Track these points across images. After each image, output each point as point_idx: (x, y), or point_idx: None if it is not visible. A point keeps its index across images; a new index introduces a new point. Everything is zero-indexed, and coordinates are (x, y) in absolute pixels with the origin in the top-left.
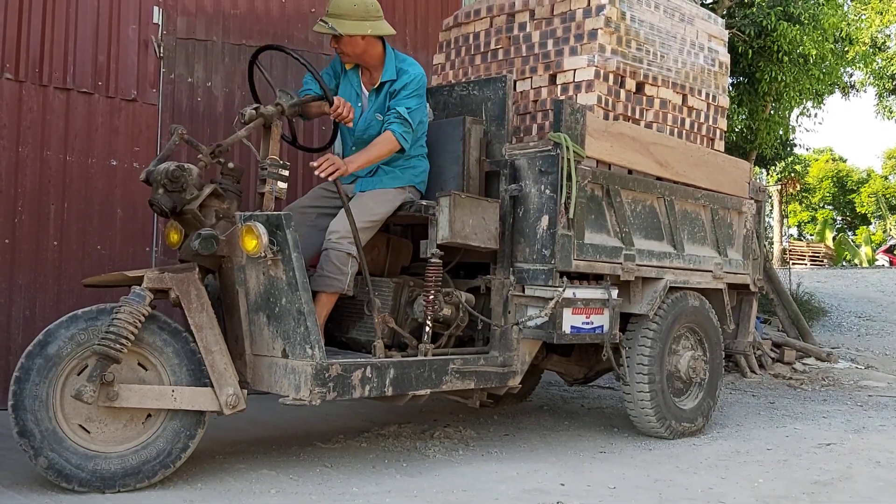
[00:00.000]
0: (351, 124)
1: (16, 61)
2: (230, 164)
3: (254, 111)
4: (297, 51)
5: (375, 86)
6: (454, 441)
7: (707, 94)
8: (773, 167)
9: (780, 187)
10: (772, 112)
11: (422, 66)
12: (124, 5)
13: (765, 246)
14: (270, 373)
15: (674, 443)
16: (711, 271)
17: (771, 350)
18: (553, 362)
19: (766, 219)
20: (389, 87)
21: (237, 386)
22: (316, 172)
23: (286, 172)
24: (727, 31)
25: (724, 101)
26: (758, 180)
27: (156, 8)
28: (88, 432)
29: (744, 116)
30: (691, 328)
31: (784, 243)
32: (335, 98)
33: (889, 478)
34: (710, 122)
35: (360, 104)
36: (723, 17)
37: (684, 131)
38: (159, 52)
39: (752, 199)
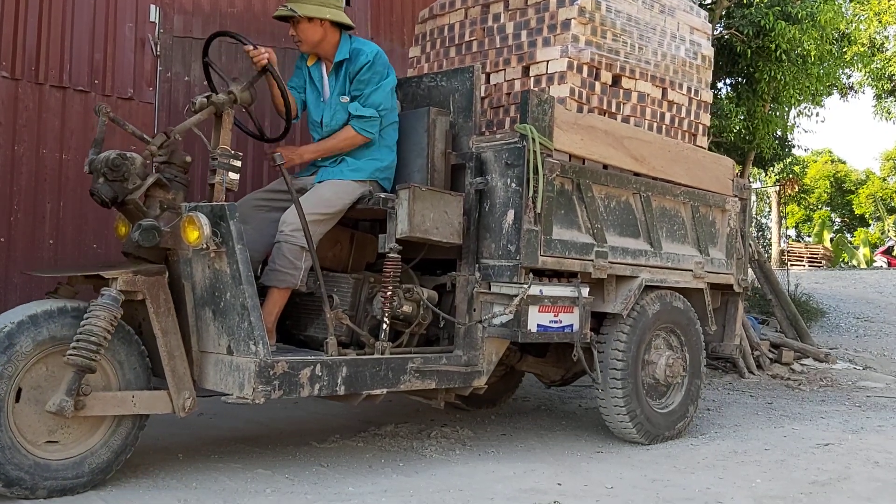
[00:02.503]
0: (263, 61)
1: (12, 59)
2: (188, 158)
3: (205, 99)
4: (249, 38)
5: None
6: (451, 441)
7: (689, 88)
8: (772, 168)
9: (778, 188)
10: (770, 111)
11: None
12: (121, 4)
13: (750, 245)
14: (216, 370)
15: (671, 443)
16: (691, 270)
17: (769, 351)
18: (528, 363)
19: (764, 220)
20: (347, 68)
21: (192, 388)
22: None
23: (238, 163)
24: (717, 28)
25: (707, 95)
26: (752, 180)
27: (153, 6)
28: (58, 442)
29: (742, 117)
30: (670, 329)
31: (782, 244)
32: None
33: (887, 478)
34: (692, 118)
35: (322, 99)
36: (721, 17)
37: (664, 126)
38: (156, 51)
39: (736, 196)
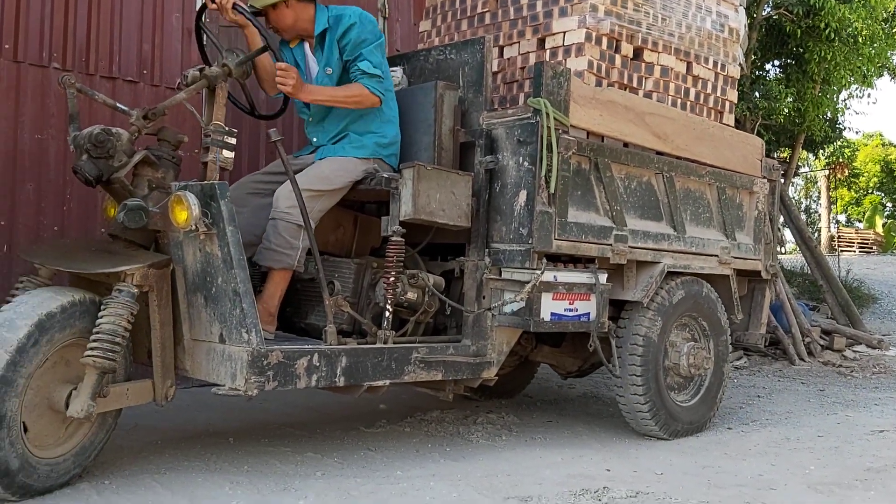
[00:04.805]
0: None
1: (63, 51)
2: (184, 137)
3: (197, 72)
4: (242, 7)
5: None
6: (497, 427)
7: (715, 63)
8: (822, 151)
9: (827, 172)
10: (820, 93)
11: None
12: None
13: (778, 230)
14: (208, 359)
15: (721, 430)
16: (717, 256)
17: (820, 337)
18: (543, 353)
19: (813, 205)
20: (331, 37)
21: (174, 377)
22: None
23: (233, 140)
24: (766, 8)
25: (735, 70)
26: (801, 164)
27: None
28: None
29: (791, 98)
30: (693, 317)
31: (832, 229)
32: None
33: None
34: (719, 94)
35: (308, 79)
36: None
37: (689, 102)
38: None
39: (765, 177)
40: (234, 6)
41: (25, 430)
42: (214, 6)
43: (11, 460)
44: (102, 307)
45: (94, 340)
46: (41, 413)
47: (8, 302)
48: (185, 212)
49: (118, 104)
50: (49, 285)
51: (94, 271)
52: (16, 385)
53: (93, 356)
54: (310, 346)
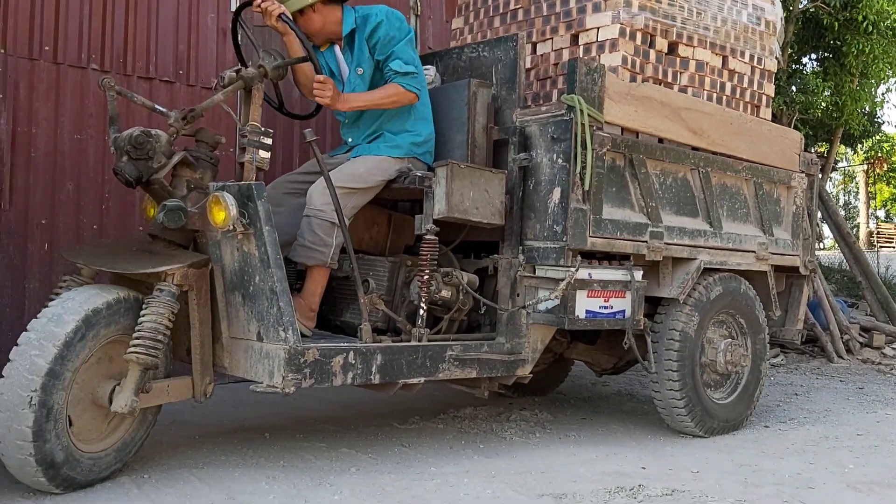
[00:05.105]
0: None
1: (101, 53)
2: (221, 139)
3: (234, 73)
4: (287, 16)
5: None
6: (531, 424)
7: (751, 57)
8: (860, 145)
9: (866, 167)
10: (858, 86)
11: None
12: None
13: (816, 225)
14: (246, 357)
15: (758, 428)
16: (754, 252)
17: (859, 334)
18: (578, 351)
19: (853, 200)
20: (360, 36)
21: (212, 373)
22: (314, 90)
23: (269, 140)
24: (803, 1)
25: (772, 64)
26: (838, 159)
27: None
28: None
29: (829, 92)
30: (730, 314)
31: (871, 225)
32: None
33: None
34: (755, 88)
35: (341, 81)
36: None
37: (724, 97)
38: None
39: (803, 172)
40: (281, 15)
41: (70, 423)
42: (258, 10)
43: (57, 452)
44: (144, 305)
45: (137, 338)
46: (85, 408)
47: (51, 300)
48: (223, 212)
49: (157, 106)
50: (92, 284)
51: (136, 272)
52: (63, 378)
53: (136, 353)
54: (346, 344)
